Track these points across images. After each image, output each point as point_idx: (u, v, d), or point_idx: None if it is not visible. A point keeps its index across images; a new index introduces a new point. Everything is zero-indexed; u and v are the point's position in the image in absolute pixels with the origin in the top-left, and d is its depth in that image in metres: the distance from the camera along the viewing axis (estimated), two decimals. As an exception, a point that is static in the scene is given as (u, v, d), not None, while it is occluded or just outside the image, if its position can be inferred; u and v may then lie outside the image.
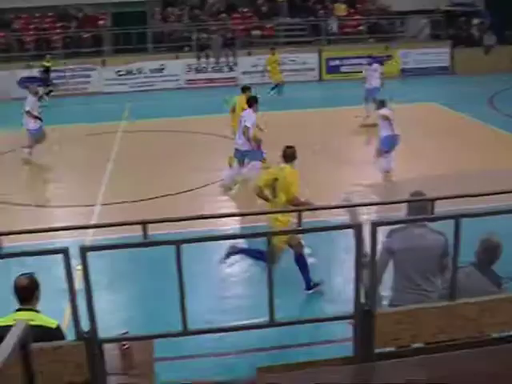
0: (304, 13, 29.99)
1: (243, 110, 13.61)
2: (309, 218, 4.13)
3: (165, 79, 27.16)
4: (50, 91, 25.10)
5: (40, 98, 18.91)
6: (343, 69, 27.84)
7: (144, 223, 4.12)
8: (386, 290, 5.94)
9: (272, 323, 4.19)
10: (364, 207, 4.76)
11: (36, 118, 16.05)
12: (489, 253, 5.55)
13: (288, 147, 8.79)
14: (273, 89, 23.75)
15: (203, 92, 25.85)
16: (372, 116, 17.02)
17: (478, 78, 25.92)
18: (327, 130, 18.52)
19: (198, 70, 27.47)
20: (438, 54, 28.47)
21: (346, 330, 4.65)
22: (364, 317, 4.14)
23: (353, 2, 30.97)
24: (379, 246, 4.55)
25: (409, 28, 31.04)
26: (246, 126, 12.88)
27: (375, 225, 3.89)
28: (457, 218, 4.11)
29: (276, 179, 8.48)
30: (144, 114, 21.43)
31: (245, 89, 14.95)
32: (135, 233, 4.85)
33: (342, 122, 19.37)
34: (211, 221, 4.89)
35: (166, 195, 12.90)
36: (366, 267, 4.10)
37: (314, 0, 30.47)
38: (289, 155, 8.70)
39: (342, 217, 4.81)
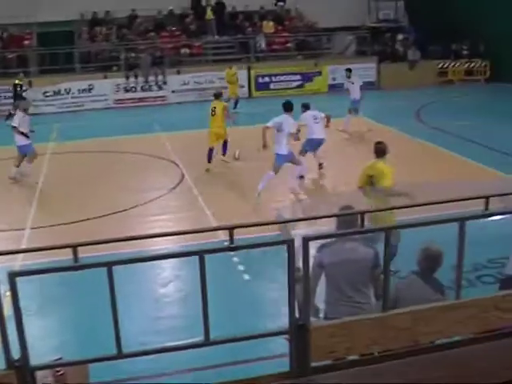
0: (232, 30, 30.25)
1: (224, 112, 16.05)
2: (239, 235, 4.14)
3: (93, 99, 26.85)
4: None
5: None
6: (272, 86, 28.13)
7: (74, 246, 4.04)
8: (322, 304, 6.01)
9: (207, 342, 4.18)
10: (297, 222, 4.80)
11: (22, 134, 15.66)
12: (430, 261, 5.67)
13: (378, 143, 9.14)
14: (235, 107, 23.94)
15: (132, 111, 25.69)
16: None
17: (404, 92, 26.64)
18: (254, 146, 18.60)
19: (126, 90, 27.27)
20: (365, 70, 29.01)
21: (282, 345, 4.67)
22: (298, 331, 4.17)
23: (281, 20, 31.40)
24: (311, 261, 4.61)
25: (336, 44, 31.67)
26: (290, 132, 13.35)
27: (306, 240, 3.94)
28: (385, 230, 4.20)
29: (371, 176, 8.86)
30: (73, 134, 21.13)
31: (218, 95, 16.70)
32: (66, 256, 4.77)
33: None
34: (143, 241, 4.84)
35: (97, 217, 12.71)
36: (299, 282, 4.14)
37: (242, 18, 30.75)
38: (379, 151, 9.05)
39: (274, 232, 4.84)
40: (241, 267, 9.46)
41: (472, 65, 30.18)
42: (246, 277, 9.38)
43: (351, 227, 4.80)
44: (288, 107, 13.60)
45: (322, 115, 15.39)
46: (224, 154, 16.60)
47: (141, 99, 27.14)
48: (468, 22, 29.22)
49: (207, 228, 4.15)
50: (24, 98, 23.95)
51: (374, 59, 29.57)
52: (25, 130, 15.79)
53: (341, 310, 5.73)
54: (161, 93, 27.25)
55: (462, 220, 4.42)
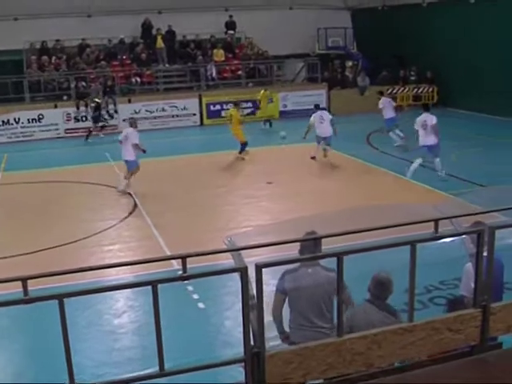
0: (183, 59, 30.36)
1: (239, 121, 20.21)
2: (192, 264, 4.12)
3: (43, 129, 26.52)
4: (103, 126, 25.79)
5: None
6: (224, 113, 28.15)
7: (24, 279, 3.96)
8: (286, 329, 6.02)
9: (162, 373, 4.13)
10: (250, 249, 4.80)
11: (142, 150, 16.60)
12: (380, 288, 5.72)
13: None
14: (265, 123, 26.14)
15: (83, 141, 25.44)
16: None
17: (355, 117, 27.03)
18: (213, 173, 18.64)
19: (77, 119, 27.01)
20: (315, 96, 29.40)
21: (239, 373, 4.64)
22: (254, 359, 4.15)
23: (231, 48, 31.66)
24: (266, 288, 4.60)
25: (286, 71, 32.07)
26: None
27: (259, 267, 3.94)
28: (338, 255, 4.23)
29: None
30: (22, 165, 20.82)
31: (237, 103, 21.42)
32: (16, 289, 4.67)
33: (226, 164, 19.58)
34: (95, 272, 4.77)
35: (48, 248, 12.50)
36: (253, 310, 4.13)
37: (193, 46, 30.89)
38: None
39: (227, 260, 4.84)
40: (195, 296, 9.40)
41: (420, 90, 30.83)
42: (201, 305, 9.32)
43: (314, 252, 4.82)
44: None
45: (330, 117, 19.60)
46: (240, 152, 20.20)
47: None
48: (415, 49, 29.97)
49: (160, 257, 4.10)
50: (102, 117, 25.98)
51: (324, 86, 29.95)
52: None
53: (304, 335, 5.75)
54: (112, 122, 27.07)
55: (412, 243, 4.48)
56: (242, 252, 4.55)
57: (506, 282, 7.11)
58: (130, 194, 16.26)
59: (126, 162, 16.69)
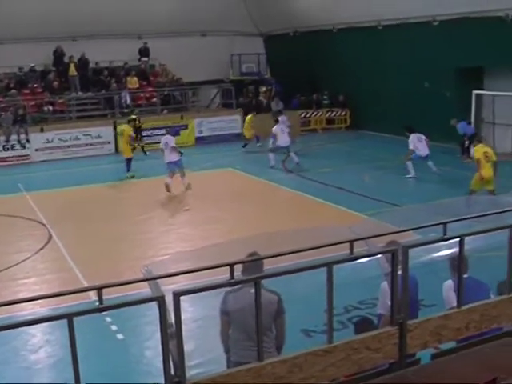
0: (97, 86, 30.00)
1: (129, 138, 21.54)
2: (111, 294, 4.04)
3: (-48, 159, 25.59)
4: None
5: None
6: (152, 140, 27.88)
7: None
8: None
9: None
10: (169, 277, 4.75)
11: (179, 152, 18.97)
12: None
13: None
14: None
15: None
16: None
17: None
18: (130, 202, 18.42)
19: (-12, 149, 26.18)
20: (231, 122, 29.62)
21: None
22: (175, 389, 4.10)
23: (145, 75, 31.53)
24: (186, 315, 4.56)
25: (201, 98, 32.16)
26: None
27: (177, 295, 3.90)
28: (256, 280, 4.24)
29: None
30: None
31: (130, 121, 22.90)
32: None
33: (143, 192, 19.39)
34: (9, 307, 4.61)
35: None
36: (173, 338, 4.08)
37: (107, 73, 30.57)
38: None
39: (146, 289, 4.77)
40: (114, 327, 9.22)
41: (333, 114, 31.55)
42: (120, 336, 9.14)
43: (257, 273, 4.82)
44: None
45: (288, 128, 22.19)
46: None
47: (3, 159, 26.05)
48: (328, 74, 30.73)
49: (75, 290, 3.97)
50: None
51: (239, 111, 30.16)
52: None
53: (247, 355, 5.73)
54: (24, 151, 26.35)
55: (328, 265, 4.54)
56: (161, 280, 4.50)
57: (421, 298, 7.31)
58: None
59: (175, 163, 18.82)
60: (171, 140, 19.20)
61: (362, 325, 6.25)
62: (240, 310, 5.96)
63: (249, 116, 27.00)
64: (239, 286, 5.92)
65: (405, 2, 24.49)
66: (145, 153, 25.85)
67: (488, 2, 21.25)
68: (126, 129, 21.88)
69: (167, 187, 18.45)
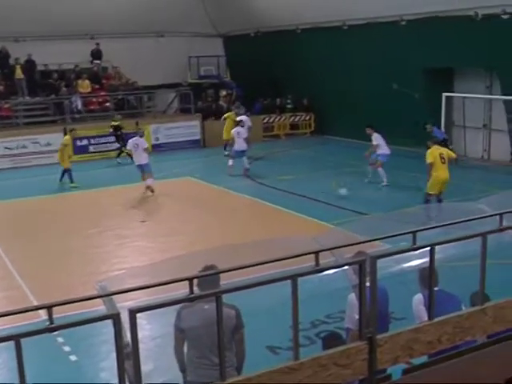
0: (45, 90, 29.67)
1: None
2: (62, 313, 3.99)
3: None
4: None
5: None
6: (92, 148, 27.67)
7: None
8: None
9: None
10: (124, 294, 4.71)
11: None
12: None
13: None
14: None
15: None
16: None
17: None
18: (82, 214, 18.23)
19: None
20: (189, 128, 29.54)
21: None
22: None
23: (97, 78, 31.28)
24: (143, 333, 4.53)
25: (157, 103, 32.03)
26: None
27: (133, 312, 3.88)
28: (217, 294, 4.23)
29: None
30: None
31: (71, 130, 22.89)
32: None
33: (95, 203, 19.22)
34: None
35: None
36: (129, 358, 4.05)
37: (56, 77, 30.25)
38: None
39: (101, 307, 4.73)
40: (66, 348, 9.11)
41: (297, 118, 31.70)
42: (73, 358, 9.03)
43: (213, 287, 4.80)
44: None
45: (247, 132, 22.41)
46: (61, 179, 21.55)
47: None
48: (291, 77, 30.85)
49: (22, 309, 3.91)
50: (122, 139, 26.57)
51: (197, 116, 30.10)
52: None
53: (202, 373, 5.71)
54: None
55: (293, 277, 4.55)
56: (117, 297, 4.47)
57: (391, 311, 7.37)
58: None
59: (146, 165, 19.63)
60: (143, 142, 20.05)
61: (330, 340, 6.27)
62: (194, 328, 5.94)
63: (228, 114, 27.60)
64: (193, 302, 5.90)
65: (371, 1, 24.75)
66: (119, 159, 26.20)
67: (457, 1, 21.62)
68: (67, 139, 22.64)
69: (149, 188, 19.50)
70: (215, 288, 5.11)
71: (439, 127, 23.07)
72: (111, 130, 26.97)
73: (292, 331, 4.74)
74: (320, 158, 24.87)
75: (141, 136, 20.45)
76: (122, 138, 26.38)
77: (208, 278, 5.33)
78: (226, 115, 27.43)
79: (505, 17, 20.75)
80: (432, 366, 5.39)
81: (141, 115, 30.16)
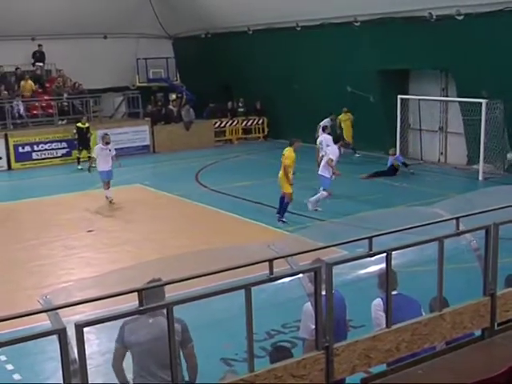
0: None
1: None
2: (4, 329, 3.94)
3: None
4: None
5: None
6: (35, 155, 27.22)
7: None
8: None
9: None
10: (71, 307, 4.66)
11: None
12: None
13: None
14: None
15: None
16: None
17: (182, 154, 27.29)
18: (23, 224, 17.97)
19: None
20: (138, 133, 29.32)
21: None
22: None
23: (40, 82, 30.85)
24: (91, 349, 4.49)
25: (104, 107, 31.72)
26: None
27: (80, 326, 3.84)
28: (168, 305, 4.22)
29: None
30: None
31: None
32: None
33: (38, 213, 18.95)
34: None
35: None
36: (76, 375, 4.00)
37: (-4, 80, 29.79)
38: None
39: (47, 321, 4.67)
40: (9, 366, 8.96)
41: (249, 123, 31.73)
42: (17, 376, 8.87)
43: (158, 301, 4.78)
44: None
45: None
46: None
47: None
48: (243, 79, 30.87)
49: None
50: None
51: (146, 121, 29.90)
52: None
53: None
54: None
55: (246, 287, 4.56)
56: (63, 311, 4.42)
57: (349, 319, 7.42)
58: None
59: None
60: (112, 149, 19.79)
61: (277, 352, 6.26)
62: (140, 343, 5.88)
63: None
64: (136, 315, 5.85)
65: (323, 1, 24.92)
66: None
67: (411, 1, 21.92)
68: None
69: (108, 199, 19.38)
70: (160, 301, 5.09)
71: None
72: (74, 131, 26.67)
73: (247, 342, 4.75)
74: (274, 163, 24.84)
75: (107, 142, 19.84)
76: (87, 141, 26.28)
77: (153, 291, 5.28)
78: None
79: (459, 17, 21.12)
80: (390, 375, 5.45)
81: (87, 121, 29.80)
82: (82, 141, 26.52)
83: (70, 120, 29.14)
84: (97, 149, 19.89)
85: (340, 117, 25.85)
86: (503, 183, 19.31)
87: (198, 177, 23.12)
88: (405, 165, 22.04)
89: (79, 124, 26.61)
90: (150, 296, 5.29)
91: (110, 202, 19.34)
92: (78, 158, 26.11)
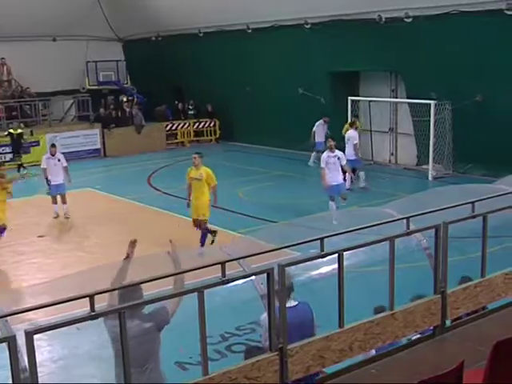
0: None
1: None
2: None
3: None
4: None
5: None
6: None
7: None
8: None
9: None
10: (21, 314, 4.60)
11: None
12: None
13: None
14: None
15: None
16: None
17: (134, 158, 27.10)
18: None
19: None
20: (88, 136, 29.01)
21: None
22: None
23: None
24: (42, 356, 4.43)
25: (53, 110, 31.31)
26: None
27: (30, 333, 3.79)
28: (119, 310, 4.19)
29: None
30: None
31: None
32: None
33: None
34: None
35: None
36: (27, 382, 3.95)
37: None
38: None
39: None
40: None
41: (201, 125, 31.67)
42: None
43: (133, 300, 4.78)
44: None
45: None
46: None
47: None
48: (194, 81, 30.82)
49: None
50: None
51: (97, 124, 29.61)
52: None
53: None
54: None
55: (199, 290, 4.56)
56: (13, 318, 4.36)
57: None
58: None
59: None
60: (63, 159, 18.67)
61: (251, 352, 6.20)
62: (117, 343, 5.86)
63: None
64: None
65: (274, 3, 25.03)
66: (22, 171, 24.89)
67: (361, 3, 22.15)
68: None
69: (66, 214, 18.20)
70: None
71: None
72: (9, 138, 26.08)
73: (200, 345, 4.75)
74: (226, 165, 24.92)
75: (52, 154, 18.64)
76: (21, 147, 25.78)
77: (128, 293, 5.22)
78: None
79: (408, 20, 21.41)
80: (344, 375, 5.50)
81: (35, 124, 29.45)
82: (15, 147, 25.95)
83: (18, 123, 28.72)
84: (44, 159, 18.74)
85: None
86: (452, 183, 19.62)
87: (150, 180, 22.99)
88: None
89: (11, 130, 26.05)
90: (126, 297, 5.24)
91: (67, 218, 18.14)
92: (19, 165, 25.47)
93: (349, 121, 22.66)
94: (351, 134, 20.81)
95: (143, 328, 5.83)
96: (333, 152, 16.55)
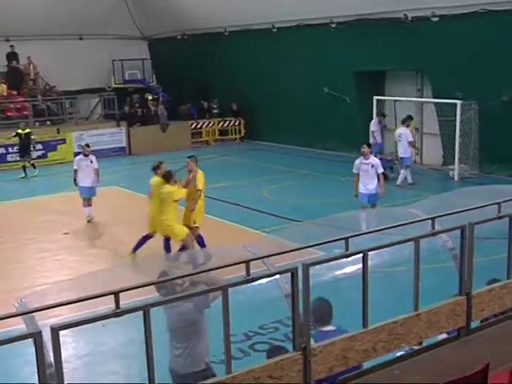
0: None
1: None
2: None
3: None
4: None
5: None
6: (10, 157, 26.99)
7: None
8: None
9: None
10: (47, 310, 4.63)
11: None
12: None
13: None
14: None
15: None
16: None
17: (158, 156, 27.11)
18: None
19: None
20: (113, 135, 29.19)
21: None
22: None
23: (16, 83, 30.52)
24: (66, 352, 4.46)
25: (80, 109, 31.53)
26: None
27: (56, 329, 3.81)
28: (145, 308, 4.21)
29: None
30: None
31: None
32: None
33: (10, 216, 18.78)
34: None
35: None
36: (53, 379, 3.97)
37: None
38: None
39: (19, 325, 4.63)
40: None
41: (226, 124, 31.71)
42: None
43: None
44: None
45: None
46: None
47: None
48: (219, 80, 30.87)
49: None
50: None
51: (123, 123, 29.77)
52: None
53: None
54: None
55: (223, 288, 4.56)
56: (39, 314, 4.38)
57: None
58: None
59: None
60: (95, 161, 18.02)
61: (273, 352, 6.21)
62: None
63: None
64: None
65: (300, 2, 24.98)
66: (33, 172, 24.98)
67: (387, 2, 22.03)
68: None
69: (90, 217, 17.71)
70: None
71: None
72: (16, 138, 25.52)
73: (224, 344, 4.75)
74: (251, 164, 24.98)
75: (85, 154, 18.05)
76: (29, 147, 25.42)
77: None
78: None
79: (434, 19, 21.26)
80: (367, 375, 5.47)
81: (62, 122, 29.68)
82: (22, 148, 25.33)
83: (44, 122, 28.97)
84: (76, 160, 18.19)
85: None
86: (478, 184, 19.46)
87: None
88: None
89: (19, 130, 25.36)
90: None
91: (88, 221, 17.71)
92: (24, 166, 24.92)
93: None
94: (403, 132, 20.96)
95: (183, 307, 6.01)
96: (367, 159, 15.51)
